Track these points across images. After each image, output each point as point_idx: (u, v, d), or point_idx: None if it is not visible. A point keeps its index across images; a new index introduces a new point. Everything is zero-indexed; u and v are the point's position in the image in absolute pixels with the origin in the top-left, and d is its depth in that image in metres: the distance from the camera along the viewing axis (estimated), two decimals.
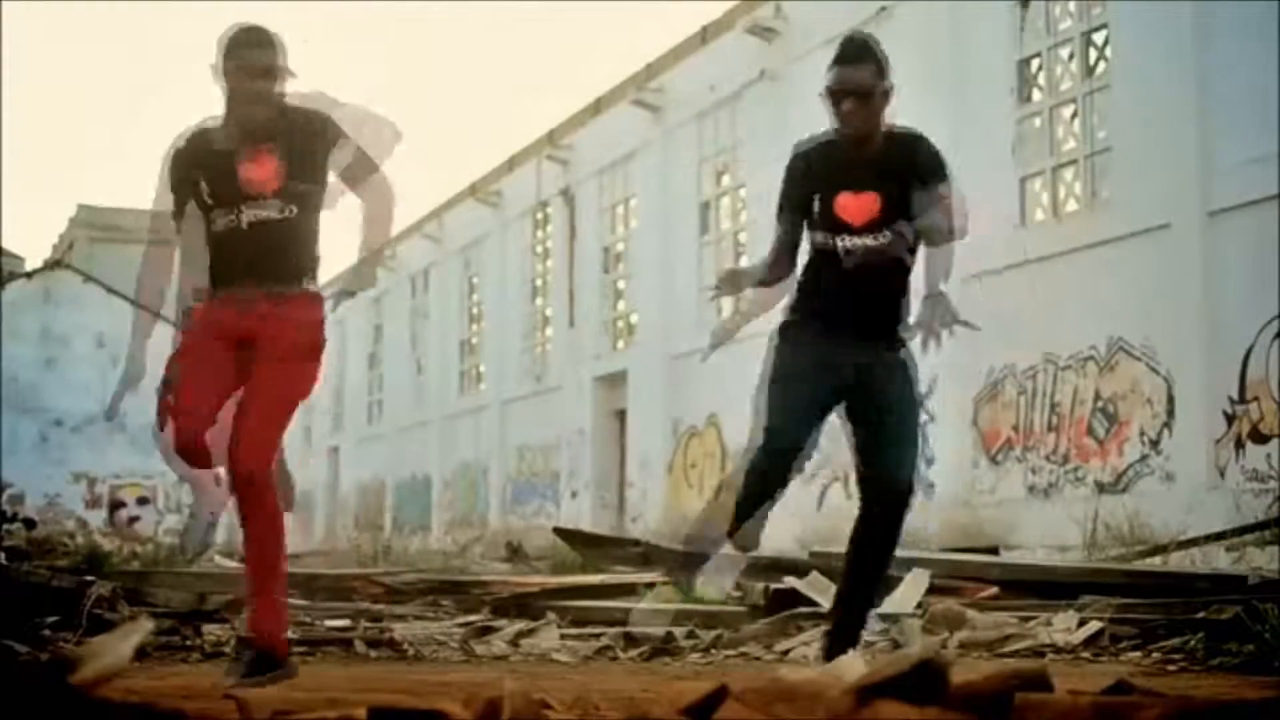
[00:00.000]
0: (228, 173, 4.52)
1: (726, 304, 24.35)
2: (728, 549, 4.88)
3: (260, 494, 4.53)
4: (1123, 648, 5.94)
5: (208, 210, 4.60)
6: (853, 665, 4.17)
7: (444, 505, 29.81)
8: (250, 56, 4.49)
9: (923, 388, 13.69)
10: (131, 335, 4.94)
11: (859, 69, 4.55)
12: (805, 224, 4.75)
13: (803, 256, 4.85)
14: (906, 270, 4.72)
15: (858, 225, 4.61)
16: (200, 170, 4.58)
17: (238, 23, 4.59)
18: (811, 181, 4.69)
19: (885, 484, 4.71)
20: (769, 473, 4.69)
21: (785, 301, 4.90)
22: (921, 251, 4.72)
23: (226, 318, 4.57)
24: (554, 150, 26.26)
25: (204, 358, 4.60)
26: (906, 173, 4.60)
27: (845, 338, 4.66)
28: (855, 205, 4.61)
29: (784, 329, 4.81)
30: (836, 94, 4.56)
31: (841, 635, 4.82)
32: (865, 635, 6.28)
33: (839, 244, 4.63)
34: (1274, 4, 12.11)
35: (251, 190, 4.50)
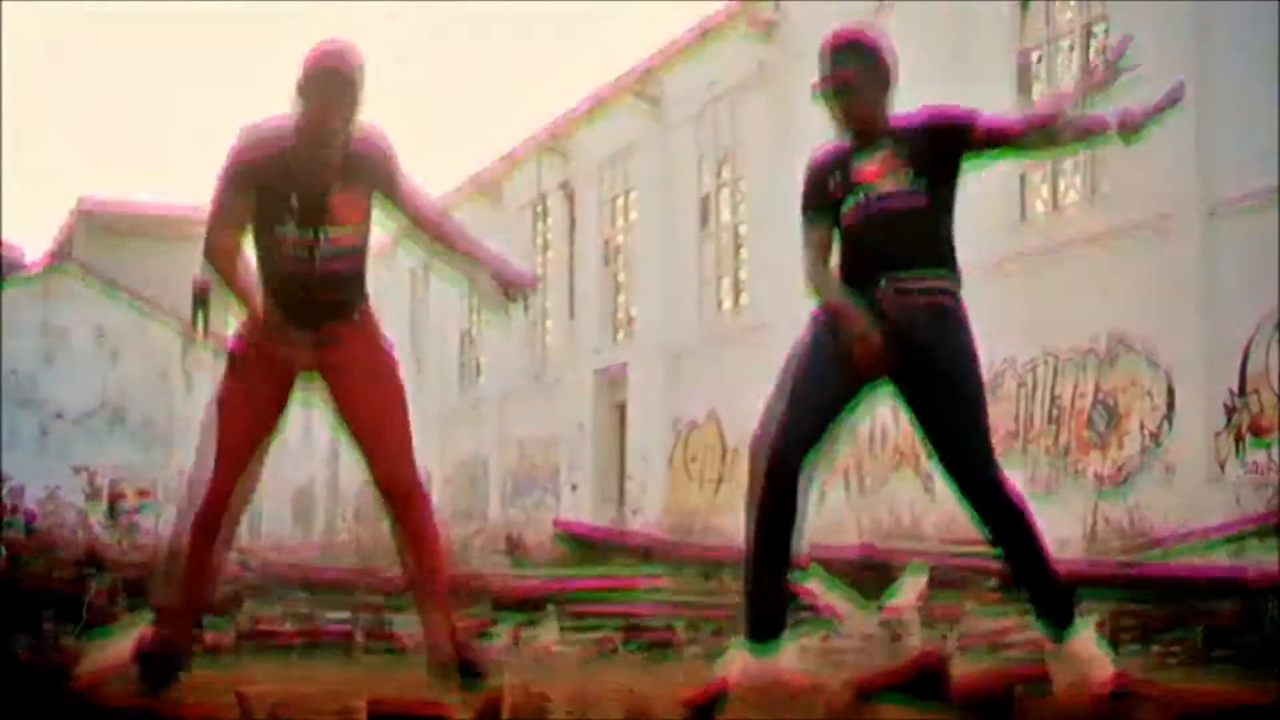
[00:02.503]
0: (310, 198, 4.47)
1: (727, 301, 24.20)
2: None
3: (423, 504, 4.63)
4: (1123, 642, 5.94)
5: (270, 231, 4.55)
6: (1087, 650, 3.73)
7: (444, 499, 29.83)
8: (339, 98, 4.40)
9: None
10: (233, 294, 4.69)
11: (842, 63, 4.49)
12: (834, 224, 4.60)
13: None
14: (931, 220, 4.50)
15: (874, 179, 4.46)
16: (274, 186, 4.50)
17: (326, 44, 4.48)
18: (833, 179, 4.56)
19: (961, 473, 4.44)
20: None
21: None
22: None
23: (283, 353, 4.53)
24: (554, 144, 26.26)
25: (249, 409, 4.56)
26: (934, 143, 4.47)
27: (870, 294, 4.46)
28: (870, 165, 4.48)
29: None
30: (823, 88, 4.51)
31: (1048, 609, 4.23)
32: (869, 635, 6.29)
33: (866, 197, 4.45)
34: (1274, 4, 12.10)
35: (332, 220, 4.49)
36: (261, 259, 4.61)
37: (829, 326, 4.51)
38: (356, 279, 4.61)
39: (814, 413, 4.41)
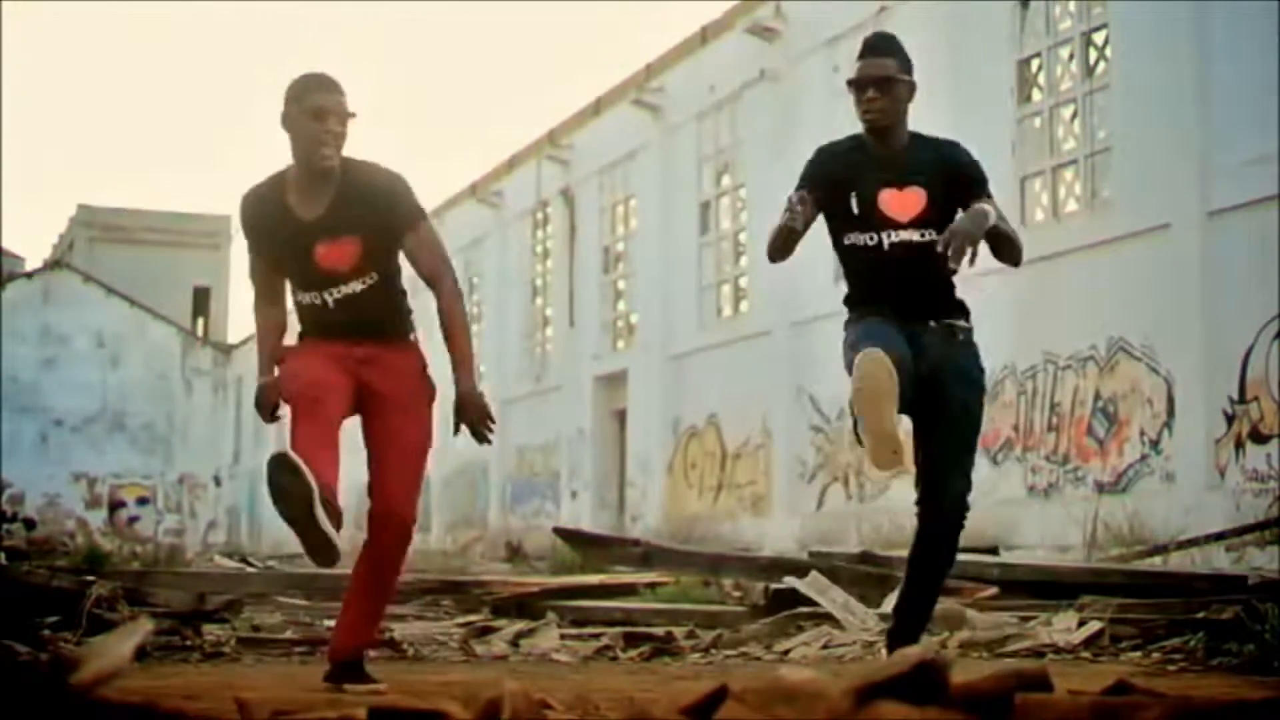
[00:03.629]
0: (305, 258, 4.47)
1: (727, 308, 24.25)
2: None
3: (403, 540, 4.67)
4: (1123, 648, 5.94)
5: (289, 281, 4.62)
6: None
7: (444, 505, 29.80)
8: (324, 100, 4.39)
9: None
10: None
11: (881, 59, 4.62)
12: (829, 219, 4.69)
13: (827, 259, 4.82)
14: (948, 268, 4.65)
15: (904, 221, 4.60)
16: (276, 249, 4.54)
17: (307, 73, 4.49)
18: (843, 172, 4.65)
19: (936, 491, 4.71)
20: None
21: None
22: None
23: (339, 348, 4.52)
24: (554, 150, 26.27)
25: (322, 363, 4.48)
26: (946, 174, 4.64)
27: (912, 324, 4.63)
28: (899, 201, 4.61)
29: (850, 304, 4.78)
30: (859, 84, 4.62)
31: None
32: (869, 636, 6.30)
33: (885, 239, 4.59)
34: (1274, 4, 12.11)
35: (333, 274, 4.48)
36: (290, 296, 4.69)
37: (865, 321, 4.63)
38: (375, 317, 4.57)
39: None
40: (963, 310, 4.78)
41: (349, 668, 4.50)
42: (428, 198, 4.80)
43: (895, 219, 4.60)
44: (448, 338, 4.59)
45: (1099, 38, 14.99)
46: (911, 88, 4.67)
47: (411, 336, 4.69)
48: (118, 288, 44.23)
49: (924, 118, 4.92)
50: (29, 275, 44.57)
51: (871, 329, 4.51)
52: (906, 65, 4.66)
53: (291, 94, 4.43)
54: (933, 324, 4.68)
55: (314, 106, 4.36)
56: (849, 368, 4.43)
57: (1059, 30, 15.41)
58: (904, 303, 4.64)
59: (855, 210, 4.62)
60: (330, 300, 4.51)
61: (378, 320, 4.57)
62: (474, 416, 4.52)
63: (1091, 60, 15.09)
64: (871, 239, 4.62)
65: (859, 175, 4.65)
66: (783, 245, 4.60)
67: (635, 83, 23.35)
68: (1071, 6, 15.34)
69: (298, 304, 4.64)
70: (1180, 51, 13.31)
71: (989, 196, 4.63)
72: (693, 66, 21.87)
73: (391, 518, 4.58)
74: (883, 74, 4.59)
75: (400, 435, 4.57)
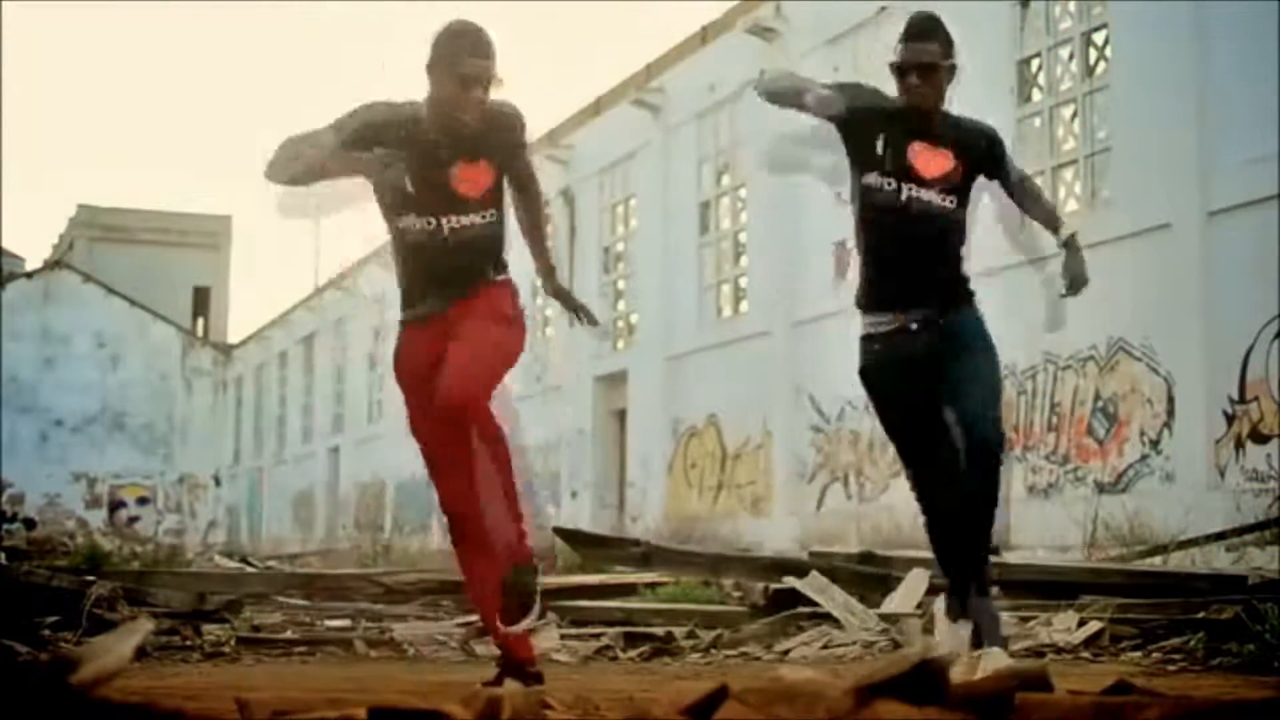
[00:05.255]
0: (439, 177, 4.37)
1: (726, 308, 24.28)
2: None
3: (483, 424, 4.29)
4: (1123, 648, 5.94)
5: (398, 211, 4.45)
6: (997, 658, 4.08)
7: None
8: (473, 68, 4.26)
9: None
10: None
11: (926, 44, 4.61)
12: (854, 153, 4.70)
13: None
14: (963, 241, 4.76)
15: (929, 178, 4.61)
16: (403, 160, 4.34)
17: (457, 21, 4.35)
18: (879, 120, 4.64)
19: (969, 436, 4.64)
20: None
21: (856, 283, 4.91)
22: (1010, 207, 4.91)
23: (421, 344, 4.47)
24: (554, 150, 26.27)
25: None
26: (979, 157, 4.69)
27: (916, 310, 4.67)
28: (930, 157, 4.62)
29: (865, 341, 4.81)
30: (904, 68, 4.61)
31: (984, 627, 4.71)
32: (869, 636, 6.28)
33: (905, 192, 4.60)
34: (1274, 4, 12.11)
35: (464, 200, 4.41)
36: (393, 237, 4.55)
37: (877, 359, 4.76)
38: (493, 252, 4.51)
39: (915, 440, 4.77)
40: (969, 293, 4.82)
41: (514, 667, 4.49)
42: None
43: (920, 173, 4.61)
44: (535, 239, 4.79)
45: (1099, 38, 14.99)
46: (953, 70, 4.66)
47: (505, 275, 4.58)
48: (118, 288, 44.22)
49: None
50: (29, 275, 44.55)
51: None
52: (949, 48, 4.64)
53: (443, 51, 4.30)
54: (941, 321, 4.70)
55: (461, 75, 4.26)
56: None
57: (1059, 30, 15.40)
58: (914, 282, 4.64)
59: (879, 151, 4.62)
60: (446, 230, 4.38)
61: (481, 265, 4.48)
62: (576, 303, 4.82)
63: (1091, 60, 15.09)
64: (891, 184, 4.61)
65: (892, 122, 4.65)
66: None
67: (635, 83, 23.34)
68: (1071, 6, 15.34)
69: (402, 240, 4.46)
70: (1180, 51, 13.30)
71: (1011, 164, 4.79)
72: (693, 66, 21.86)
73: (456, 406, 4.25)
74: (927, 59, 4.58)
75: (473, 336, 4.36)
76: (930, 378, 4.64)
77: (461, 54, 4.26)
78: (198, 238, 50.09)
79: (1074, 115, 15.15)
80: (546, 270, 4.84)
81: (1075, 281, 4.75)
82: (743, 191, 21.11)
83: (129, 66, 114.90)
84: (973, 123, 4.76)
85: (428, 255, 4.44)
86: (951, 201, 4.62)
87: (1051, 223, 4.83)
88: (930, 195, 4.61)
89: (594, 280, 25.20)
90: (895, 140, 4.61)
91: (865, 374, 4.82)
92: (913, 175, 4.60)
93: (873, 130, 4.63)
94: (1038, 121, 15.50)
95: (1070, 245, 4.76)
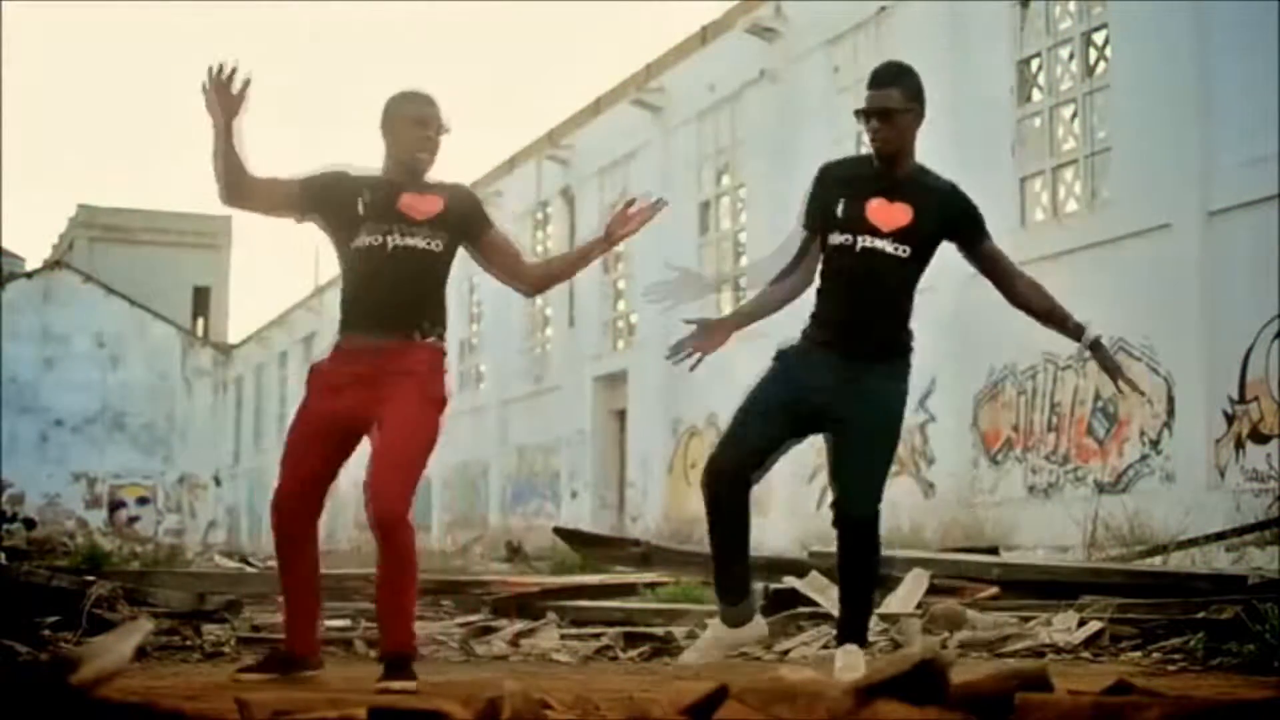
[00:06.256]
0: (387, 201, 4.66)
1: (726, 308, 24.39)
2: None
3: (404, 539, 4.67)
4: (1123, 648, 5.94)
5: (349, 234, 4.69)
6: (853, 665, 4.23)
7: (444, 505, 29.81)
8: (425, 110, 4.70)
9: (923, 387, 13.74)
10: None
11: (888, 90, 4.76)
12: (826, 227, 4.86)
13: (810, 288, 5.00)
14: (910, 295, 4.87)
15: (884, 231, 4.75)
16: (354, 193, 4.69)
17: (405, 89, 4.78)
18: (840, 187, 4.85)
19: (839, 510, 4.88)
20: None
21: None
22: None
23: (346, 382, 4.65)
24: (554, 150, 26.27)
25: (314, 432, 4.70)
26: (945, 214, 4.82)
27: (836, 354, 4.82)
28: (886, 212, 4.77)
29: (780, 353, 5.05)
30: (867, 114, 4.78)
31: (842, 631, 4.95)
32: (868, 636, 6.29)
33: (859, 243, 4.74)
34: (1274, 4, 12.12)
35: (409, 217, 4.66)
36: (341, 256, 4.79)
37: (786, 364, 5.01)
38: (428, 287, 4.72)
39: (758, 438, 5.02)
40: (906, 349, 4.90)
41: (394, 663, 4.62)
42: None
43: (877, 226, 4.76)
44: (558, 262, 5.31)
45: (1099, 38, 14.99)
46: (918, 115, 4.81)
47: (438, 334, 4.73)
48: (118, 288, 44.23)
49: (924, 117, 4.95)
50: (29, 275, 44.56)
51: (750, 417, 5.04)
52: (912, 93, 4.78)
53: (393, 103, 4.73)
54: (875, 367, 4.83)
55: (417, 114, 4.68)
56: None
57: (1059, 30, 15.41)
58: (855, 326, 4.81)
59: (840, 213, 4.80)
60: (391, 245, 4.61)
61: (418, 300, 4.66)
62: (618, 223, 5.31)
63: (1091, 60, 15.09)
64: (848, 239, 4.78)
65: (855, 184, 4.85)
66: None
67: (635, 83, 23.35)
68: (1071, 6, 15.35)
69: (348, 264, 4.71)
70: (1180, 51, 13.31)
71: (988, 238, 4.93)
72: (693, 66, 21.87)
73: (388, 523, 4.61)
74: (885, 105, 4.74)
75: (403, 428, 4.58)
76: (824, 407, 4.84)
77: (411, 103, 4.73)
78: (198, 238, 50.09)
79: (1074, 115, 15.15)
80: (574, 254, 5.48)
81: (1116, 374, 5.03)
82: (743, 191, 21.11)
83: (130, 66, 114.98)
84: (951, 190, 4.87)
85: (372, 269, 4.63)
86: (904, 252, 4.74)
87: (1067, 326, 5.05)
88: (883, 244, 4.76)
89: (594, 280, 25.21)
90: (856, 198, 4.79)
91: (783, 355, 5.03)
92: (867, 228, 4.76)
93: (838, 195, 4.81)
94: (1038, 121, 15.50)
95: (1097, 348, 5.03)
